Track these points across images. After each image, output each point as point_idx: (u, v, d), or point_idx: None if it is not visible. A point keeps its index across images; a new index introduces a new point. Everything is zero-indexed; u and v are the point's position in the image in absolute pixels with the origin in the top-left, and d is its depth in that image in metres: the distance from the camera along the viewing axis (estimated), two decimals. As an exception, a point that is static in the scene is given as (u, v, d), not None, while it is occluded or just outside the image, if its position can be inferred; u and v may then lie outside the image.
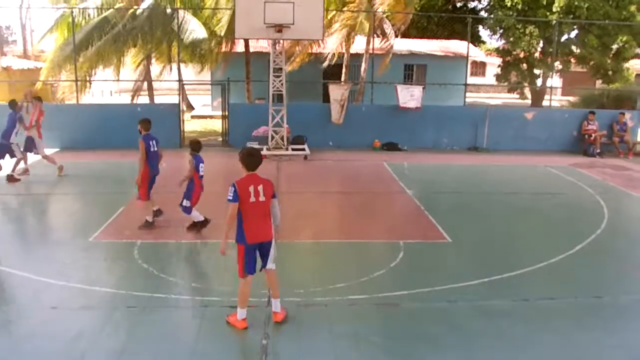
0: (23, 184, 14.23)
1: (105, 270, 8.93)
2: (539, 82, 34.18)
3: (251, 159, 6.62)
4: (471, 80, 29.61)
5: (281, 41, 18.44)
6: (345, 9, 24.92)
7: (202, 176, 10.19)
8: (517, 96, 36.93)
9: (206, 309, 7.29)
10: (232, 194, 6.44)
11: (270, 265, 6.87)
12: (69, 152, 18.26)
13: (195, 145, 10.27)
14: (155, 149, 10.59)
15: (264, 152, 18.00)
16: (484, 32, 37.95)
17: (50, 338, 6.57)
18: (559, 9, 27.86)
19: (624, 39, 29.23)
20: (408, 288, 7.98)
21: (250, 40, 26.20)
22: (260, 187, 6.52)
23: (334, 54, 26.59)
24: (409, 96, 20.22)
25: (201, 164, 10.15)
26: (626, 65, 32.18)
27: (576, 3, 27.86)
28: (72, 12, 22.36)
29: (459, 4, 39.05)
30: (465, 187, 14.80)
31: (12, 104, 14.38)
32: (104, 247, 9.85)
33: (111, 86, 39.20)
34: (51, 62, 22.71)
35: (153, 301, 7.48)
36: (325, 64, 27.04)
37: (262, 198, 6.52)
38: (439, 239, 10.31)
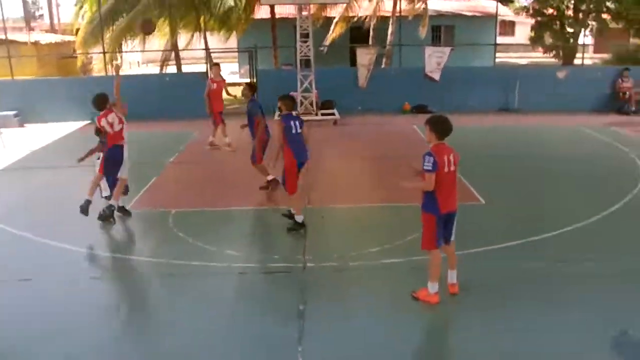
0: (57, 155, 14.46)
1: (142, 239, 9.04)
2: (573, 41, 33.34)
3: (444, 126, 6.30)
4: (500, 40, 29.00)
5: (308, 6, 18.25)
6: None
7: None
8: (547, 55, 35.96)
9: (243, 276, 7.36)
10: (431, 164, 6.13)
11: (453, 237, 6.65)
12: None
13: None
14: None
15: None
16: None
17: (89, 308, 6.68)
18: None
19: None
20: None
21: (275, 6, 25.98)
22: (451, 156, 6.29)
23: (365, 17, 26.27)
24: (435, 64, 19.98)
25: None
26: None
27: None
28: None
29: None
30: (498, 149, 14.64)
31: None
32: (139, 216, 9.96)
33: (137, 57, 39.27)
34: (81, 36, 22.83)
35: (189, 269, 7.56)
36: (360, 24, 26.68)
37: (452, 167, 6.31)
38: (473, 200, 10.24)
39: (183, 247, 8.36)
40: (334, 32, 26.00)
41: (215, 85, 14.90)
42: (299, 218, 8.89)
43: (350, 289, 7.02)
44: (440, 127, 6.28)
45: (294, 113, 9.11)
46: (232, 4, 22.67)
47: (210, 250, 8.18)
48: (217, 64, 15.97)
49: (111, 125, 9.27)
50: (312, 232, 8.85)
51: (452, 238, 6.63)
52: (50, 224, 9.52)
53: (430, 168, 6.11)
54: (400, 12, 22.67)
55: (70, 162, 13.98)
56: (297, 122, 8.92)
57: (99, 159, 9.72)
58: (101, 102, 9.44)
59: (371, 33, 27.52)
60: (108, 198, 9.69)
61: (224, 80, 15.36)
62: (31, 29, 43.06)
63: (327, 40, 25.59)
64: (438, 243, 6.44)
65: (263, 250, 8.37)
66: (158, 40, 27.56)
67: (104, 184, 9.78)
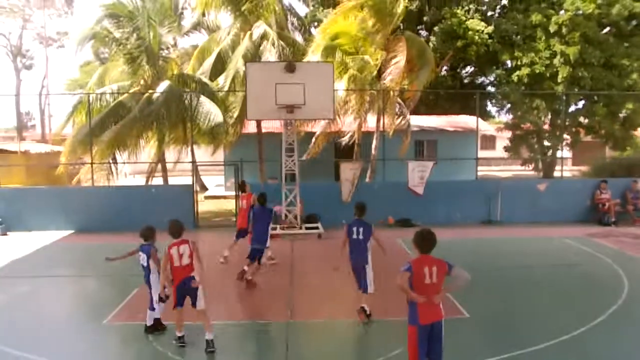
0: (39, 265, 14.34)
1: (120, 355, 8.86)
2: (552, 154, 34.24)
3: (424, 242, 6.65)
4: (481, 153, 29.73)
5: (293, 121, 18.73)
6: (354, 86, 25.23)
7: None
8: (527, 168, 36.83)
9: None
10: (405, 267, 6.48)
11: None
12: (85, 235, 18.43)
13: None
14: None
15: (278, 231, 17.97)
16: (492, 107, 38.41)
17: None
18: (563, 80, 28.17)
19: (630, 106, 29.31)
20: (427, 366, 7.83)
21: (262, 121, 26.60)
22: (434, 269, 6.51)
23: (351, 132, 26.78)
24: (419, 179, 20.37)
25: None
26: (634, 132, 32.25)
27: (580, 74, 28.18)
28: (88, 97, 22.86)
29: (466, 80, 39.61)
30: (482, 261, 14.68)
31: None
32: (118, 329, 9.80)
33: (126, 168, 39.67)
34: (70, 146, 23.10)
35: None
36: (345, 140, 27.04)
37: (435, 279, 6.49)
38: (457, 314, 10.19)
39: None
40: (317, 145, 26.46)
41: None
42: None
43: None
44: (420, 242, 6.62)
45: (362, 219, 9.82)
46: (221, 119, 23.13)
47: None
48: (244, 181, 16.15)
49: (180, 256, 8.59)
50: (295, 347, 8.74)
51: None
52: (29, 336, 9.35)
53: (404, 268, 6.46)
54: (383, 127, 23.27)
55: (51, 272, 14.00)
56: (360, 229, 9.62)
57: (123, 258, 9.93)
58: (177, 230, 8.87)
59: (355, 148, 28.10)
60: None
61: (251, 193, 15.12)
62: (22, 138, 43.79)
63: (309, 154, 26.00)
64: (420, 356, 6.39)
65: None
66: (147, 153, 27.98)
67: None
